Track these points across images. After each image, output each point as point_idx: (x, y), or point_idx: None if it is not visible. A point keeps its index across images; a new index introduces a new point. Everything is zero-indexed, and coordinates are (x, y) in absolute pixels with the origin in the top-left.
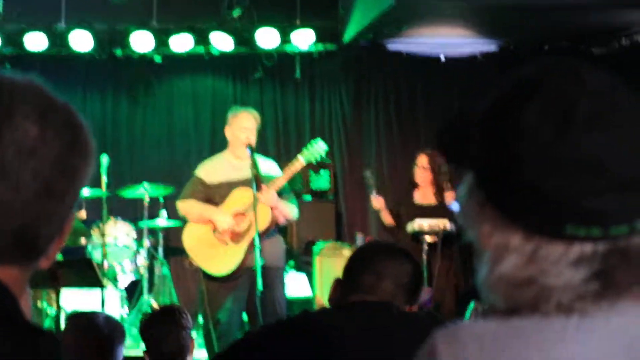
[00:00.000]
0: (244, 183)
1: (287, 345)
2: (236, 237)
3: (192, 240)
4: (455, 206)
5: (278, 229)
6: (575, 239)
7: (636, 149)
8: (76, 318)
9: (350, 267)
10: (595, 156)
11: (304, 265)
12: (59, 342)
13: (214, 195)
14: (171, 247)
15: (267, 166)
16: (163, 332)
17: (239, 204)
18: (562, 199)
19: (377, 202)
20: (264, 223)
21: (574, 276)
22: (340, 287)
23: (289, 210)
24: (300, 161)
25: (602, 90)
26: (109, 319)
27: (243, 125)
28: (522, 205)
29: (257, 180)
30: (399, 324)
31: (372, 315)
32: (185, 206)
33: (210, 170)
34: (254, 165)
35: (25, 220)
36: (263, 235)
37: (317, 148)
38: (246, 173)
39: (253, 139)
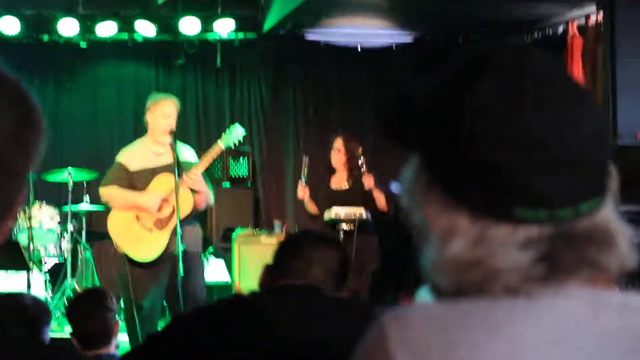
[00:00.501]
0: (166, 169)
1: (221, 326)
2: (159, 223)
3: (117, 226)
4: (395, 187)
5: (196, 215)
6: (522, 221)
7: (580, 131)
8: (3, 299)
9: (280, 254)
10: (543, 135)
11: (223, 252)
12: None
13: (135, 181)
14: (94, 231)
15: (186, 153)
16: (89, 313)
17: (161, 190)
18: (511, 180)
19: (302, 191)
20: (186, 209)
21: (521, 258)
22: (269, 273)
23: (211, 195)
24: (219, 146)
25: (549, 71)
26: (36, 300)
27: (164, 112)
28: (469, 187)
29: (179, 167)
30: (329, 307)
31: (303, 298)
32: (108, 192)
33: (132, 157)
34: (175, 151)
35: None
36: (185, 221)
37: (235, 133)
38: (167, 159)
39: (173, 125)
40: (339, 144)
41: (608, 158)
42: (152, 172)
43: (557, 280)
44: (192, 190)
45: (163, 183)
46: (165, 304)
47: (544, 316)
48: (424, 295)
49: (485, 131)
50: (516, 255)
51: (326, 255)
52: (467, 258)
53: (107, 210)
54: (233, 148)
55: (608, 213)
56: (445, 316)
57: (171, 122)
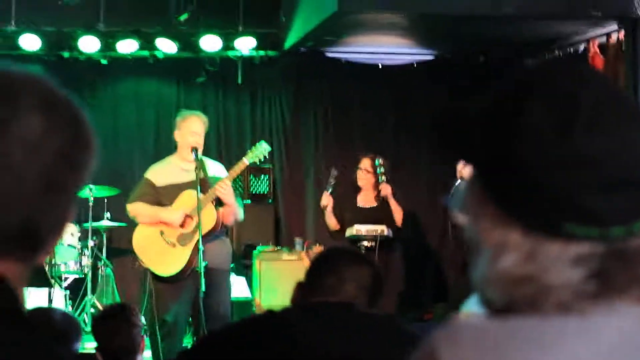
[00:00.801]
0: (192, 185)
1: (253, 342)
2: (182, 238)
3: (141, 241)
4: (447, 201)
5: (226, 231)
6: (573, 238)
7: (633, 151)
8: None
9: (313, 270)
10: (595, 156)
11: (244, 269)
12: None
13: (162, 197)
14: (114, 247)
15: (215, 169)
16: (114, 329)
17: (186, 206)
18: (562, 197)
19: (326, 199)
20: (209, 225)
21: (573, 275)
22: (302, 290)
23: (239, 210)
24: (244, 162)
25: (602, 91)
26: (65, 315)
27: (191, 129)
28: (522, 203)
29: (203, 183)
30: (362, 324)
31: (335, 314)
32: (134, 208)
33: (159, 173)
34: (200, 167)
35: (29, 212)
36: (208, 236)
37: (261, 149)
38: (194, 176)
39: (201, 143)
40: (366, 164)
41: None
42: (178, 188)
43: (608, 298)
44: (218, 204)
45: (188, 199)
46: (190, 320)
47: (596, 333)
48: (472, 308)
49: (532, 152)
50: (568, 272)
51: (359, 272)
52: (519, 273)
53: (128, 226)
54: (258, 164)
55: None
56: (496, 333)
57: (198, 139)
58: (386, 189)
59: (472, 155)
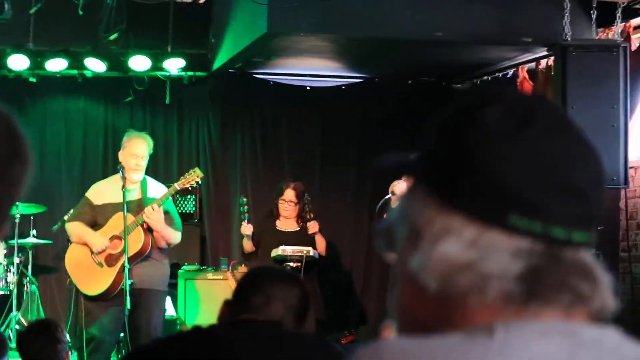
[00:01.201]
0: (130, 205)
1: (179, 357)
2: (110, 259)
3: (72, 260)
4: (376, 224)
5: (163, 251)
6: (516, 230)
7: (586, 164)
8: None
9: (240, 289)
10: (549, 156)
11: (169, 287)
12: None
13: (98, 216)
14: (40, 265)
15: (157, 191)
16: (40, 345)
17: (117, 227)
18: (511, 190)
19: (247, 229)
20: (135, 247)
21: (511, 266)
22: (229, 307)
23: (171, 234)
24: (175, 187)
25: (557, 108)
26: None
27: (133, 151)
28: (470, 193)
29: (139, 205)
30: (290, 342)
31: (263, 332)
32: (70, 227)
33: (98, 192)
34: (124, 187)
35: None
36: (136, 258)
37: (194, 175)
38: (134, 195)
39: (143, 165)
40: (291, 195)
41: (602, 202)
42: (114, 208)
43: (536, 305)
44: (149, 228)
45: (119, 220)
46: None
47: (519, 355)
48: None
49: (491, 143)
50: (506, 263)
51: (286, 291)
52: (459, 259)
53: (54, 244)
54: (190, 189)
55: (591, 255)
56: (417, 353)
57: (139, 161)
58: (314, 227)
59: (419, 160)
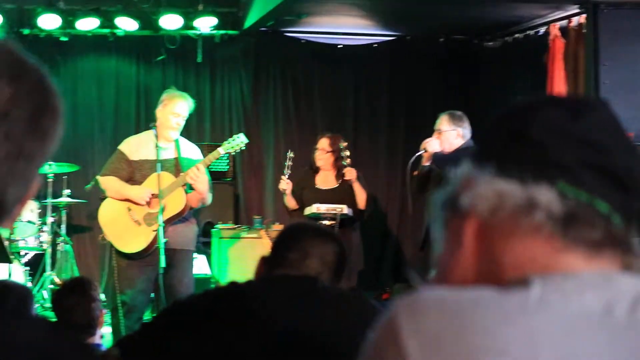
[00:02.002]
0: (165, 163)
1: (212, 310)
2: (148, 217)
3: (107, 216)
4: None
5: (193, 213)
6: (564, 195)
7: (631, 156)
8: None
9: (277, 245)
10: (600, 142)
11: (202, 246)
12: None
13: (135, 171)
14: (74, 224)
15: (190, 151)
16: (73, 303)
17: (155, 185)
18: (560, 161)
19: (284, 184)
20: (176, 208)
21: (555, 203)
22: (266, 264)
23: (208, 196)
24: (219, 152)
25: (608, 108)
26: (17, 283)
27: (175, 110)
28: (523, 160)
29: (176, 165)
30: (325, 297)
31: (297, 287)
32: (105, 181)
33: (134, 147)
34: (157, 146)
35: None
36: (175, 219)
37: (238, 141)
38: (169, 154)
39: (182, 124)
40: (325, 144)
41: None
42: (152, 164)
43: (573, 233)
44: (187, 189)
45: (158, 179)
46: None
47: (556, 308)
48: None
49: (548, 130)
50: (552, 198)
51: (323, 247)
52: (509, 189)
53: (87, 203)
54: (233, 154)
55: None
56: (456, 303)
57: (180, 121)
58: (351, 173)
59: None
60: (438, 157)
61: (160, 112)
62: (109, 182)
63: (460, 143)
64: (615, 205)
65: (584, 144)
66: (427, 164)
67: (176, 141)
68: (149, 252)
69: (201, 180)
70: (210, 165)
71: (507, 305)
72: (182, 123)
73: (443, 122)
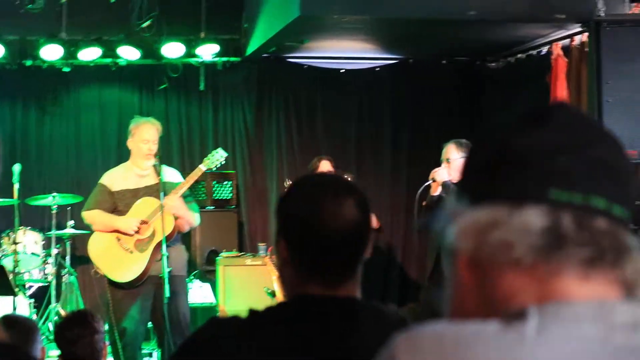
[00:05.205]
0: (148, 190)
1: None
2: (139, 245)
3: (97, 249)
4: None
5: (181, 238)
6: (558, 204)
7: (608, 142)
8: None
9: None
10: (575, 137)
11: (207, 275)
12: None
13: (117, 202)
14: (78, 255)
15: (170, 174)
16: (76, 335)
17: (142, 212)
18: (548, 168)
19: None
20: (167, 231)
21: (536, 223)
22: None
23: (192, 217)
24: (200, 169)
25: (572, 106)
26: (23, 316)
27: (143, 137)
28: (513, 180)
29: (157, 189)
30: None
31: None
32: (90, 215)
33: (114, 178)
34: (159, 173)
35: None
36: (165, 243)
37: (217, 156)
38: (150, 181)
39: (154, 149)
40: (326, 166)
41: (633, 179)
42: (134, 193)
43: (559, 253)
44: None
45: (144, 206)
46: (150, 326)
47: (556, 337)
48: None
49: (517, 136)
50: (533, 219)
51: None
52: (487, 219)
53: (91, 233)
54: (214, 170)
55: (627, 229)
56: (455, 338)
57: (151, 146)
58: None
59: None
60: (448, 185)
61: (131, 142)
62: (94, 216)
63: None
64: (612, 196)
65: (560, 145)
66: (436, 193)
67: (154, 166)
68: (143, 280)
69: (177, 207)
70: (193, 184)
71: (506, 338)
72: (155, 148)
73: (450, 151)
